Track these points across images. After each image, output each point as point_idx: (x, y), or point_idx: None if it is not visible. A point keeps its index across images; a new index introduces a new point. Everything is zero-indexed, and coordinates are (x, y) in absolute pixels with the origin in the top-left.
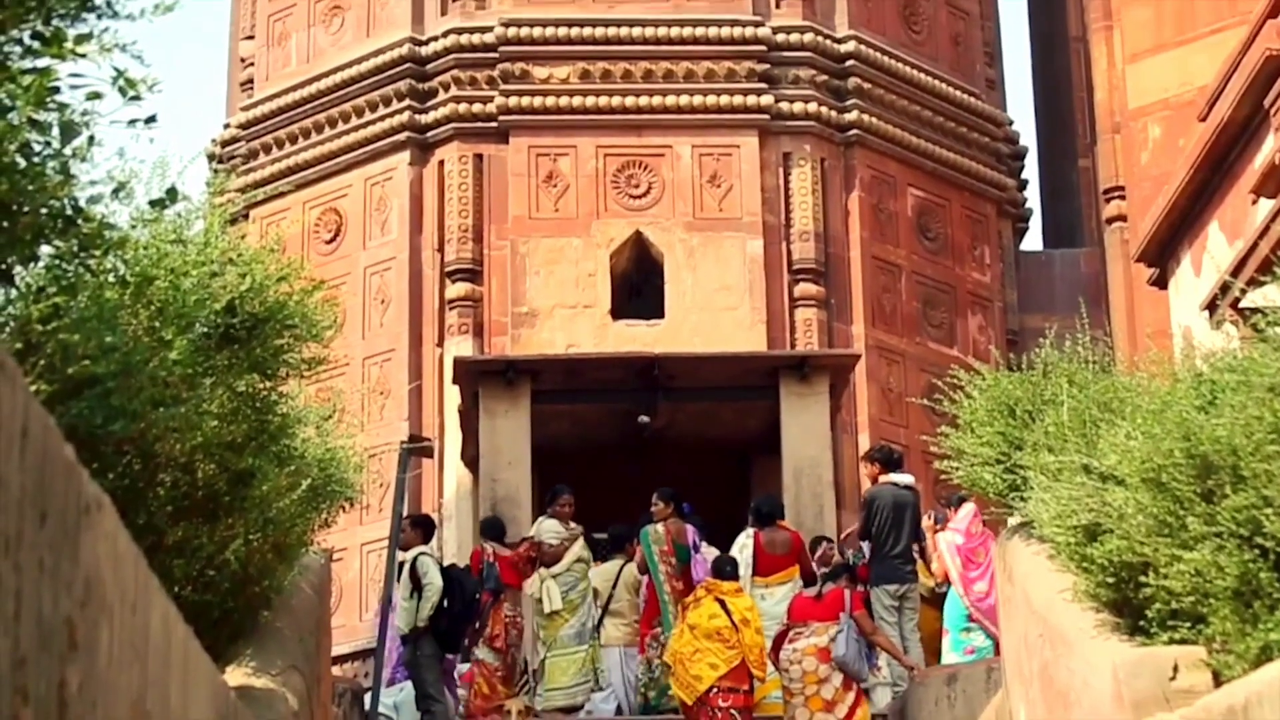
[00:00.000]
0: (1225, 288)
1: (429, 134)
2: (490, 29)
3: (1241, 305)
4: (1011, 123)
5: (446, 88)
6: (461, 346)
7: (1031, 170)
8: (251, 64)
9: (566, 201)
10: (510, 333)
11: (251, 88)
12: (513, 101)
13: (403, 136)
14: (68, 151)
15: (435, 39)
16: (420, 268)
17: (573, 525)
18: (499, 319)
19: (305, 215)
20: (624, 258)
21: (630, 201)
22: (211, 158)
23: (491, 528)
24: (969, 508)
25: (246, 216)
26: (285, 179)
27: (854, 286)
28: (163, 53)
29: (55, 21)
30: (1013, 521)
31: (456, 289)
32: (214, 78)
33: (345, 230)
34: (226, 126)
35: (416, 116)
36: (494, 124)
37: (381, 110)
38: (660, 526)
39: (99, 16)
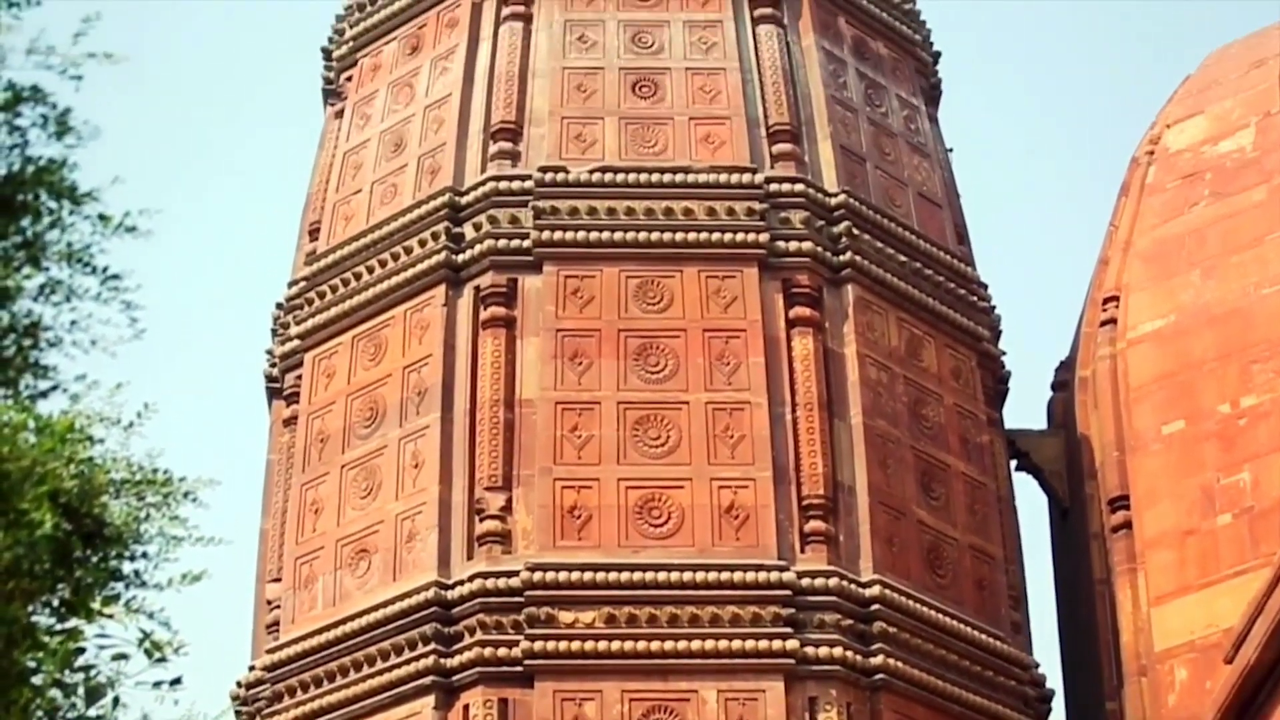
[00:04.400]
0: None
1: (454, 678)
2: (516, 573)
3: None
4: (1038, 665)
5: (472, 631)
6: None
7: (1058, 713)
8: (277, 607)
9: None
10: None
11: (277, 631)
12: (538, 646)
13: (427, 681)
14: (92, 714)
15: (461, 583)
16: None
17: None
18: None
19: None
20: None
21: None
22: (237, 700)
23: None
24: None
25: None
26: None
27: None
28: (188, 603)
29: (84, 589)
30: None
31: None
32: (240, 617)
33: None
34: (251, 669)
35: (442, 660)
36: (519, 668)
37: (407, 654)
38: None
39: (127, 586)
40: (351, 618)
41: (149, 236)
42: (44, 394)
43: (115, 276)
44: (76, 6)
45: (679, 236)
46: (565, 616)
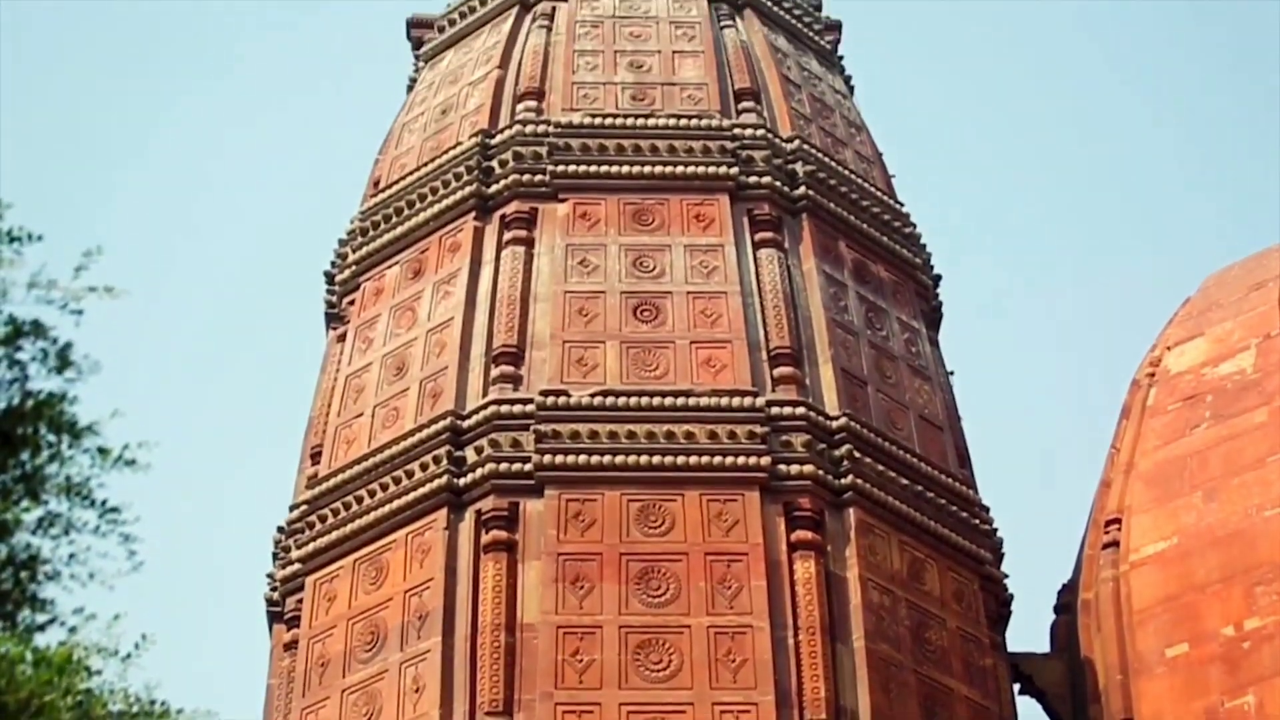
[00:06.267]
0: None
1: None
2: None
3: None
4: None
5: None
6: None
7: None
8: None
9: None
10: None
11: None
12: None
13: None
14: None
15: None
16: None
17: None
18: None
19: None
20: None
21: None
22: None
23: None
24: None
25: None
26: None
27: None
28: None
29: None
30: None
31: None
32: None
33: None
34: None
35: None
36: None
37: None
38: None
39: None
40: None
41: (147, 469)
42: (42, 627)
43: (114, 509)
44: (78, 241)
45: (680, 460)
46: None
